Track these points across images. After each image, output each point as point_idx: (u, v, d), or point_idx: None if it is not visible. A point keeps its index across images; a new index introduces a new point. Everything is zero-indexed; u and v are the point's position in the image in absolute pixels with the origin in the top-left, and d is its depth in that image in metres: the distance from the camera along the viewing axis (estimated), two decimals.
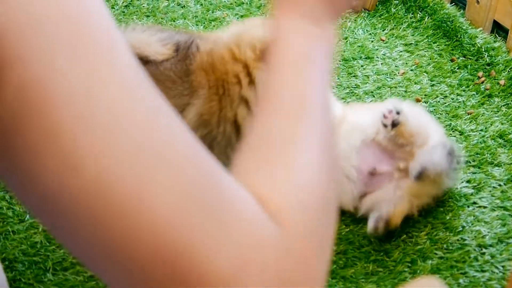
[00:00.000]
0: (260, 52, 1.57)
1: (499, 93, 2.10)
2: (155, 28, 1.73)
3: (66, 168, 0.48)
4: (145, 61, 1.60)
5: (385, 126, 1.65)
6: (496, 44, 2.25)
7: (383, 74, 2.21)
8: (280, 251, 0.53)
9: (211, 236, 0.50)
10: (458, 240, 1.70)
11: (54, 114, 0.48)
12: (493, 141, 1.95)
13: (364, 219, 1.76)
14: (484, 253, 1.66)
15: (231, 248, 0.50)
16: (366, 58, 2.29)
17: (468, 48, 2.27)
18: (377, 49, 2.33)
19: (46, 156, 0.48)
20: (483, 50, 2.23)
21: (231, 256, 0.50)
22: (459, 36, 2.32)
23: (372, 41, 2.37)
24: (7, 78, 0.48)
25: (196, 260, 0.49)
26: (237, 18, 2.49)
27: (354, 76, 2.21)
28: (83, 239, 0.51)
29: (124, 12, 2.54)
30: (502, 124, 2.00)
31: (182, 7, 2.56)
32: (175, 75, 1.61)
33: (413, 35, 2.39)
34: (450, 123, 1.99)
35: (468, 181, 1.84)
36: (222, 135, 1.59)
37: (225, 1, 2.58)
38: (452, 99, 2.10)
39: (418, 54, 2.30)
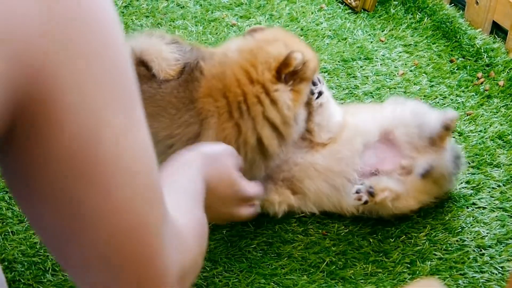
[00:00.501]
0: (275, 71, 1.54)
1: (498, 94, 2.11)
2: (177, 43, 1.67)
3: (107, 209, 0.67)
4: (147, 76, 1.56)
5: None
6: (496, 45, 2.25)
7: (382, 75, 2.21)
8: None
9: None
10: (457, 241, 1.70)
11: (103, 167, 0.64)
12: (492, 142, 1.95)
13: (363, 220, 1.76)
14: (483, 254, 1.67)
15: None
16: (365, 59, 2.29)
17: (467, 49, 2.27)
18: (377, 50, 2.33)
19: (89, 193, 0.65)
20: (483, 51, 2.23)
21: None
22: (458, 37, 2.32)
23: (371, 42, 2.37)
24: (61, 122, 0.61)
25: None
26: (237, 18, 2.49)
27: (353, 77, 2.21)
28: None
29: (123, 12, 2.54)
30: (501, 125, 2.00)
31: (181, 8, 2.56)
32: (178, 102, 1.55)
33: (412, 36, 2.39)
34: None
35: (467, 182, 1.84)
36: (243, 160, 1.46)
37: (224, 1, 2.58)
38: (451, 100, 2.10)
39: (417, 55, 2.30)
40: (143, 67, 1.57)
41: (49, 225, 0.68)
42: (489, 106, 2.07)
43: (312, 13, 2.52)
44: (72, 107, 0.61)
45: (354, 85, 2.17)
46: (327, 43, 2.36)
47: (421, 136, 1.71)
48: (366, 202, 1.65)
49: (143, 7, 2.56)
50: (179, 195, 0.97)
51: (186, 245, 0.83)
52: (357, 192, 1.65)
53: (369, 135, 1.74)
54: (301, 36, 2.40)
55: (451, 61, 2.26)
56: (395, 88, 2.14)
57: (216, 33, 2.42)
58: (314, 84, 1.68)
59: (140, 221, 0.69)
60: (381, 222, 1.74)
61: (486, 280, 1.61)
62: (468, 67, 2.22)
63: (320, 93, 1.71)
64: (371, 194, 1.64)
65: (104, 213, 0.66)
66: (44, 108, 0.59)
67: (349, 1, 2.54)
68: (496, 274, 1.62)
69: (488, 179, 1.85)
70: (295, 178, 1.74)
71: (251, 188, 1.31)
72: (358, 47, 2.34)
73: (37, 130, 0.61)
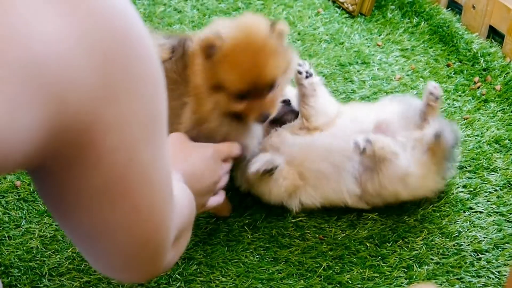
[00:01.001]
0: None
1: (495, 98, 2.11)
2: (160, 34, 1.71)
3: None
4: None
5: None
6: (492, 49, 2.25)
7: (379, 79, 2.21)
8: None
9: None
10: (454, 245, 1.70)
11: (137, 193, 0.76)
12: (489, 146, 1.96)
13: (360, 224, 1.76)
14: (480, 259, 1.67)
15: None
16: (362, 63, 2.29)
17: (464, 53, 2.28)
18: (373, 54, 2.33)
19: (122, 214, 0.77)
20: (479, 55, 2.23)
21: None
22: (455, 41, 2.32)
23: (368, 46, 2.37)
24: (97, 160, 0.67)
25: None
26: None
27: (350, 81, 2.21)
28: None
29: None
30: (498, 129, 2.00)
31: (178, 12, 2.56)
32: (177, 75, 1.58)
33: (409, 40, 2.39)
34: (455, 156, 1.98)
35: (464, 186, 1.84)
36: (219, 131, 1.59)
37: (221, 6, 2.59)
38: (448, 104, 2.10)
39: (414, 59, 2.30)
40: None
41: (83, 233, 0.79)
42: (486, 110, 2.08)
43: (309, 17, 2.52)
44: (110, 149, 0.67)
45: (351, 90, 2.17)
46: (324, 48, 2.37)
47: (412, 113, 1.77)
48: (364, 150, 1.64)
49: (140, 11, 2.56)
50: None
51: (182, 211, 0.99)
52: (355, 144, 1.65)
53: (364, 123, 1.75)
54: (298, 40, 2.40)
55: (448, 66, 2.26)
56: (392, 93, 2.14)
57: None
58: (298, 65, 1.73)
59: (160, 220, 0.82)
60: (378, 226, 1.74)
61: (483, 284, 1.61)
62: (465, 71, 2.22)
63: (308, 74, 1.73)
64: (369, 142, 1.64)
65: (132, 222, 0.78)
66: (84, 150, 0.65)
67: (346, 6, 2.54)
68: (493, 278, 1.62)
69: (485, 183, 1.85)
70: (296, 160, 1.73)
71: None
72: (355, 51, 2.34)
73: (74, 166, 0.67)
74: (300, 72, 1.73)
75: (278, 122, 1.78)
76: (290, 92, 1.82)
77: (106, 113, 0.63)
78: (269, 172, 1.69)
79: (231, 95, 1.51)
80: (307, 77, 1.73)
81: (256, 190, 1.76)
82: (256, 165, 1.67)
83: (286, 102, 1.80)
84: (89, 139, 0.64)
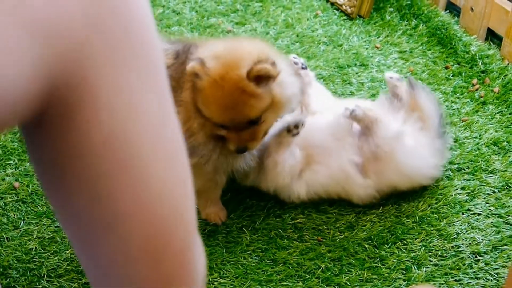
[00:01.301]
0: None
1: (493, 100, 2.11)
2: (164, 39, 1.74)
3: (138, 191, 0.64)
4: None
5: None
6: (490, 52, 2.26)
7: (377, 81, 2.21)
8: None
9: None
10: (452, 247, 1.70)
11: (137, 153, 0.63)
12: (487, 148, 1.96)
13: (358, 225, 1.76)
14: (478, 260, 1.67)
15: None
16: (361, 65, 2.30)
17: (462, 55, 2.28)
18: (372, 56, 2.33)
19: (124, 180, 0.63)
20: (478, 57, 2.24)
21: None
22: (453, 44, 2.33)
23: (367, 48, 2.37)
24: (94, 106, 0.59)
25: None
26: (232, 25, 2.50)
27: (349, 83, 2.22)
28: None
29: None
30: (496, 131, 2.01)
31: (177, 14, 2.56)
32: (175, 81, 1.59)
33: (407, 42, 2.39)
34: (447, 127, 1.99)
35: (462, 188, 1.85)
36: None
37: (220, 8, 2.59)
38: (447, 106, 2.10)
39: (412, 62, 2.31)
40: None
41: (80, 218, 0.66)
42: (484, 112, 2.08)
43: (307, 19, 2.52)
44: (106, 90, 0.60)
45: (350, 92, 2.17)
46: (323, 50, 2.37)
47: (391, 101, 1.86)
48: (353, 111, 1.72)
49: None
50: None
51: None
52: (346, 109, 1.75)
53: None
54: (297, 42, 2.41)
55: (446, 68, 2.26)
56: None
57: None
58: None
59: (177, 209, 0.68)
60: (376, 228, 1.74)
61: (481, 286, 1.61)
62: (463, 73, 2.22)
63: (304, 65, 1.86)
64: (358, 106, 1.73)
65: (141, 204, 0.65)
66: (79, 91, 0.58)
67: (344, 8, 2.54)
68: (491, 280, 1.62)
69: (483, 185, 1.85)
70: (301, 137, 1.77)
71: None
72: (354, 53, 2.34)
73: (70, 113, 0.59)
74: (296, 63, 1.84)
75: None
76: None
77: (98, 44, 0.58)
78: (294, 132, 1.73)
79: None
80: (303, 68, 1.84)
81: (268, 164, 1.77)
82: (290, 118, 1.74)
83: None
84: (83, 77, 0.58)
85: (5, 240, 1.73)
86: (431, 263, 1.67)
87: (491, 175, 1.88)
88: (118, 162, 0.62)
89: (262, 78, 1.50)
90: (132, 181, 0.63)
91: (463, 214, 1.79)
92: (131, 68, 0.61)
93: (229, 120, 1.52)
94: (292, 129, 1.72)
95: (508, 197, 1.82)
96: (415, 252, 1.69)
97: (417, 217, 1.77)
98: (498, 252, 1.68)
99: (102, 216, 0.65)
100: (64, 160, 0.62)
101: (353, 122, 1.76)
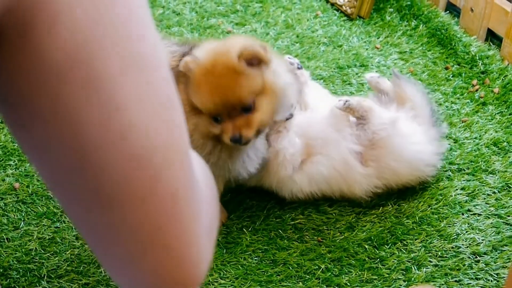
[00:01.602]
0: None
1: (493, 101, 2.11)
2: (173, 41, 1.75)
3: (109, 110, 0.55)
4: None
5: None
6: (490, 52, 2.26)
7: None
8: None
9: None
10: (452, 247, 1.70)
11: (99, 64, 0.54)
12: (487, 148, 1.96)
13: (358, 226, 1.76)
14: (478, 261, 1.67)
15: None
16: (361, 66, 2.30)
17: (462, 56, 2.28)
18: (372, 57, 2.33)
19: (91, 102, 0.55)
20: (478, 58, 2.24)
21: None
22: (453, 44, 2.33)
23: (367, 49, 2.38)
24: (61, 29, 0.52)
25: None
26: (232, 25, 2.50)
27: (349, 84, 2.22)
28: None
29: None
30: (496, 132, 2.01)
31: (177, 15, 2.56)
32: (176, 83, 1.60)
33: (407, 43, 2.40)
34: (439, 116, 1.99)
35: (462, 189, 1.85)
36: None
37: (220, 8, 2.59)
38: (447, 107, 2.11)
39: (412, 62, 2.31)
40: None
41: (51, 155, 0.57)
42: (484, 113, 2.08)
43: (307, 20, 2.52)
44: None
45: (350, 92, 2.17)
46: (323, 50, 2.37)
47: (385, 96, 1.91)
48: (347, 101, 1.76)
49: None
50: None
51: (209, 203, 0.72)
52: (339, 100, 1.79)
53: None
54: (297, 43, 2.41)
55: (446, 68, 2.27)
56: None
57: None
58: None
59: (165, 159, 0.58)
60: (376, 228, 1.74)
61: (481, 287, 1.61)
62: (463, 74, 2.22)
63: (299, 65, 1.88)
64: (351, 98, 1.78)
65: (113, 133, 0.55)
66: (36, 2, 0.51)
67: (344, 8, 2.54)
68: (491, 281, 1.62)
69: (483, 185, 1.85)
70: (302, 129, 1.79)
71: None
72: (354, 54, 2.35)
73: (27, 28, 0.51)
74: (292, 63, 1.85)
75: None
76: None
77: None
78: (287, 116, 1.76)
79: (208, 117, 1.55)
80: (298, 68, 1.87)
81: (269, 155, 1.78)
82: None
83: None
84: None
85: (5, 241, 1.73)
86: (431, 263, 1.67)
87: (491, 175, 1.88)
88: (83, 82, 0.53)
89: (253, 61, 1.50)
90: (101, 106, 0.55)
91: (463, 214, 1.79)
92: None
93: (221, 103, 1.50)
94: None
95: (508, 198, 1.82)
96: (415, 252, 1.69)
97: (417, 218, 1.77)
98: (498, 253, 1.68)
99: (72, 149, 0.56)
100: (25, 86, 0.54)
101: (348, 113, 1.78)
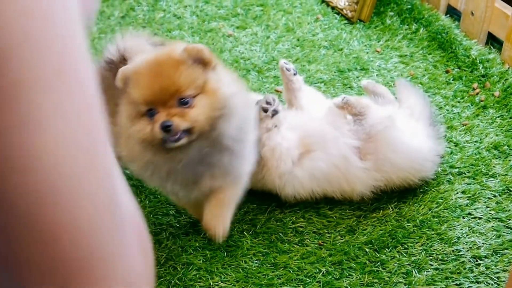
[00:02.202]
0: None
1: (493, 104, 2.11)
2: (158, 40, 1.75)
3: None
4: None
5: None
6: (491, 56, 2.26)
7: None
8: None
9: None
10: (453, 251, 1.70)
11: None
12: (488, 152, 1.96)
13: (359, 229, 1.76)
14: (479, 264, 1.67)
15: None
16: (361, 69, 2.30)
17: (463, 59, 2.28)
18: (372, 60, 2.34)
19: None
20: (478, 61, 2.24)
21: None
22: (454, 48, 2.33)
23: (367, 53, 2.38)
24: None
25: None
26: (233, 29, 2.50)
27: (349, 87, 2.22)
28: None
29: (120, 23, 2.54)
30: (496, 135, 2.01)
31: (178, 18, 2.57)
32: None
33: (408, 46, 2.40)
34: (445, 134, 1.99)
35: (463, 192, 1.85)
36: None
37: (220, 12, 2.59)
38: (447, 110, 2.11)
39: (413, 66, 2.31)
40: (124, 64, 1.58)
41: None
42: (485, 116, 2.08)
43: (308, 23, 2.52)
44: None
45: (350, 96, 2.17)
46: (323, 54, 2.37)
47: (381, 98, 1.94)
48: (345, 97, 1.80)
49: (140, 17, 2.57)
50: None
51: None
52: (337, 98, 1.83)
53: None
54: (297, 46, 2.41)
55: (447, 72, 2.27)
56: None
57: (213, 44, 2.43)
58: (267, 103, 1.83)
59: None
60: (377, 231, 1.75)
61: None
62: (464, 77, 2.23)
63: (295, 71, 1.93)
64: (350, 96, 1.82)
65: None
66: None
67: (345, 12, 2.55)
68: (492, 284, 1.62)
69: (484, 189, 1.85)
70: (297, 125, 1.82)
71: None
72: (354, 57, 2.35)
73: None
74: (288, 69, 1.89)
75: None
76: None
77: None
78: (271, 112, 1.79)
79: (144, 117, 1.48)
80: (294, 74, 1.91)
81: (265, 153, 1.79)
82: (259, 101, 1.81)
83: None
84: None
85: None
86: (432, 267, 1.67)
87: (491, 179, 1.88)
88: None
89: (196, 58, 1.47)
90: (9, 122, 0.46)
91: (463, 218, 1.79)
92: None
93: (159, 89, 1.44)
94: (266, 106, 1.79)
95: (509, 201, 1.82)
96: (416, 256, 1.69)
97: (417, 221, 1.77)
98: (499, 256, 1.68)
99: None
100: None
101: (346, 110, 1.81)
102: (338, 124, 1.80)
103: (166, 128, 1.44)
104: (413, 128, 1.83)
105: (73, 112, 0.49)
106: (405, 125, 1.82)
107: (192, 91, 1.45)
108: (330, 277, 1.65)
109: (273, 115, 1.78)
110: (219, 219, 1.63)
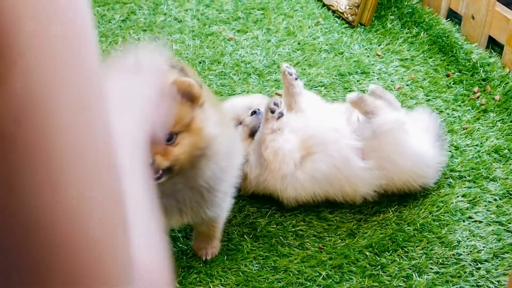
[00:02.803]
0: None
1: (494, 108, 2.11)
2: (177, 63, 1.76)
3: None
4: None
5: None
6: (492, 60, 2.26)
7: None
8: None
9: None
10: (453, 255, 1.70)
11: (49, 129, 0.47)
12: (488, 156, 1.96)
13: (359, 233, 1.76)
14: (479, 268, 1.67)
15: None
16: (362, 73, 2.30)
17: (463, 63, 2.28)
18: (373, 64, 2.34)
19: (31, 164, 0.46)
20: (479, 65, 2.24)
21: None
22: (454, 52, 2.33)
23: (368, 56, 2.38)
24: (10, 79, 0.45)
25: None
26: (234, 32, 2.50)
27: (350, 91, 2.22)
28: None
29: (121, 26, 2.54)
30: (497, 139, 2.01)
31: (179, 22, 2.57)
32: None
33: (408, 50, 2.40)
34: (446, 138, 1.99)
35: (463, 196, 1.85)
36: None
37: (221, 15, 2.59)
38: (448, 114, 2.11)
39: (413, 69, 2.31)
40: None
41: None
42: (485, 120, 2.08)
43: (309, 27, 2.53)
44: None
45: None
46: (324, 57, 2.37)
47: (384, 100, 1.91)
48: (359, 94, 1.82)
49: (140, 21, 2.57)
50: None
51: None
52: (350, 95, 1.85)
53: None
54: (298, 50, 2.41)
55: (448, 76, 2.27)
56: None
57: (213, 47, 2.43)
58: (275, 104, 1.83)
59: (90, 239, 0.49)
60: (377, 235, 1.74)
61: None
62: (465, 81, 2.23)
63: (297, 76, 1.93)
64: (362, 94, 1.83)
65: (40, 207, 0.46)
66: None
67: (346, 16, 2.55)
68: None
69: (484, 193, 1.85)
70: (299, 128, 1.84)
71: None
72: (355, 61, 2.35)
73: None
74: (290, 74, 1.90)
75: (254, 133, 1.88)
76: (257, 101, 1.95)
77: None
78: (277, 114, 1.79)
79: None
80: (296, 79, 1.92)
81: (267, 156, 1.80)
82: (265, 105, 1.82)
83: (256, 112, 1.89)
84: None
85: None
86: (432, 270, 1.67)
87: (492, 182, 1.88)
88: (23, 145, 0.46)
89: (185, 93, 1.43)
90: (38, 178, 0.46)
91: (464, 221, 1.78)
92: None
93: None
94: (274, 107, 1.79)
95: (509, 205, 1.82)
96: (416, 259, 1.69)
97: (418, 225, 1.77)
98: (499, 260, 1.68)
99: None
100: None
101: (358, 107, 1.82)
102: (340, 125, 1.82)
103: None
104: (419, 135, 1.84)
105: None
106: (412, 130, 1.82)
107: (177, 128, 1.42)
108: (331, 280, 1.65)
109: (278, 117, 1.78)
110: (208, 250, 1.73)
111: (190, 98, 1.44)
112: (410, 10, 2.51)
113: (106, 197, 0.50)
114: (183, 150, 1.43)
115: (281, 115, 1.78)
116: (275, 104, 1.80)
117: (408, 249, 1.72)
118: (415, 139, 1.80)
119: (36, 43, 0.48)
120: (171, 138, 1.43)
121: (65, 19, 0.50)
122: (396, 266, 1.67)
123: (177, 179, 1.47)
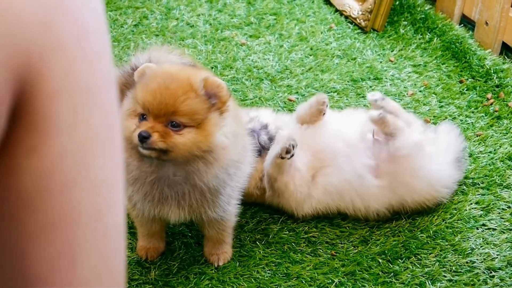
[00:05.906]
0: None
1: (508, 115, 2.10)
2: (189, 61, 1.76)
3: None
4: None
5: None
6: (505, 66, 2.25)
7: (391, 95, 2.21)
8: None
9: None
10: (467, 262, 1.69)
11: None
12: (502, 163, 1.95)
13: (372, 240, 1.75)
14: (493, 276, 1.65)
15: None
16: (374, 78, 2.29)
17: (477, 69, 2.27)
18: (386, 70, 2.33)
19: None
20: (492, 71, 2.23)
21: None
22: (468, 58, 2.32)
23: (380, 62, 2.37)
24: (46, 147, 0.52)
25: None
26: (246, 37, 2.50)
27: (362, 97, 2.21)
28: None
29: (133, 31, 2.55)
30: (511, 146, 2.00)
31: (191, 27, 2.57)
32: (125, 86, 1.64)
33: (421, 56, 2.39)
34: (466, 160, 1.98)
35: (477, 203, 1.83)
36: None
37: (233, 21, 2.59)
38: (461, 120, 2.10)
39: (426, 75, 2.30)
40: None
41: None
42: (499, 127, 2.07)
43: (321, 32, 2.52)
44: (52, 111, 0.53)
45: (364, 105, 2.17)
46: (337, 63, 2.37)
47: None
48: (381, 114, 1.74)
49: (153, 25, 2.57)
50: None
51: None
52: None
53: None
54: (310, 55, 2.41)
55: (461, 82, 2.26)
56: (404, 109, 2.14)
57: (226, 52, 2.43)
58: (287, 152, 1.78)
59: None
60: (390, 242, 1.74)
61: None
62: (478, 88, 2.22)
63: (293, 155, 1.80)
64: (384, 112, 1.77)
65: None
66: (28, 105, 0.52)
67: (358, 21, 2.54)
68: None
69: (498, 200, 1.84)
70: (310, 144, 1.83)
71: None
72: (368, 67, 2.34)
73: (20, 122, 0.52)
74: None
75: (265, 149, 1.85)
76: (267, 116, 1.91)
77: (51, 59, 0.52)
78: (290, 153, 1.75)
79: (136, 118, 1.48)
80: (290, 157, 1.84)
81: (279, 187, 1.80)
82: (279, 145, 1.77)
83: (264, 126, 1.87)
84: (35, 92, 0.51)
85: None
86: (446, 278, 1.66)
87: (506, 190, 1.87)
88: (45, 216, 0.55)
89: (212, 94, 1.46)
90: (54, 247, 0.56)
91: (477, 229, 1.77)
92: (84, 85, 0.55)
93: (157, 101, 1.44)
94: (285, 156, 1.75)
95: None
96: (429, 267, 1.68)
97: (431, 232, 1.76)
98: None
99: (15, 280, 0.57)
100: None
101: (378, 126, 1.77)
102: (354, 141, 1.80)
103: (142, 138, 1.44)
104: (439, 155, 1.83)
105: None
106: (431, 150, 1.81)
107: (187, 120, 1.44)
108: (343, 287, 1.64)
109: (289, 158, 1.76)
110: (220, 256, 1.72)
111: (214, 101, 1.47)
112: (423, 15, 2.50)
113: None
114: (183, 142, 1.45)
115: (291, 156, 1.76)
116: (287, 151, 1.74)
117: (421, 257, 1.71)
118: (432, 161, 1.79)
119: (72, 126, 0.54)
120: (177, 126, 1.44)
121: (104, 113, 0.57)
122: (409, 274, 1.66)
123: (175, 169, 1.49)
